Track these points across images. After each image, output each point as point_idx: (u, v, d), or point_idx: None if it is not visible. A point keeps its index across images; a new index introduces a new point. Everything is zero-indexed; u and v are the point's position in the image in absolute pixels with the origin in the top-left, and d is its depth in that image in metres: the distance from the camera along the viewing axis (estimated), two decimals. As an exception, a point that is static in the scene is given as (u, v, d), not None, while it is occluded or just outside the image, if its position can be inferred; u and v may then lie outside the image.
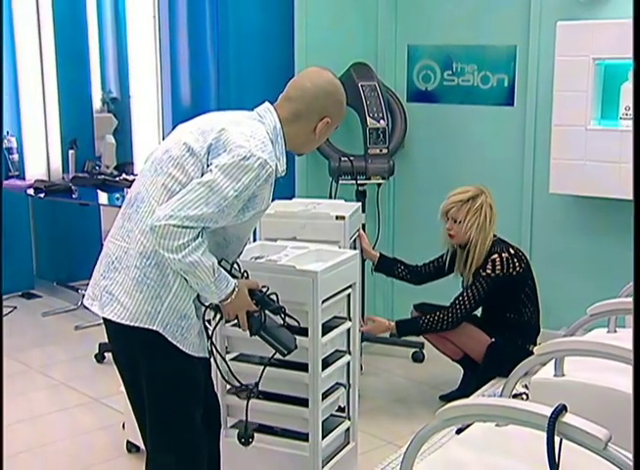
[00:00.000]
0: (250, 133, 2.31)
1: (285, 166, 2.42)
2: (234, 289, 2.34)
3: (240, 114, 2.45)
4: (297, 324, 2.52)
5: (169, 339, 2.33)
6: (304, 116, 2.42)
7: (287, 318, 2.49)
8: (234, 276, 2.41)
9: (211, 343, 2.48)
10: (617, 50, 3.96)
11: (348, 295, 3.04)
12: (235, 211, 2.28)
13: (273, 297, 2.46)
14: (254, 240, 3.61)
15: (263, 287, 2.45)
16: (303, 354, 2.81)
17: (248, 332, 2.44)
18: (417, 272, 4.13)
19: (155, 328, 2.31)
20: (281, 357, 2.57)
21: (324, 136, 2.50)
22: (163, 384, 2.40)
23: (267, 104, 2.46)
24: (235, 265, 2.49)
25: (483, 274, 3.80)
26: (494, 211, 3.85)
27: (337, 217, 3.72)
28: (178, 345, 2.34)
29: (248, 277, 2.50)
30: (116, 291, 2.35)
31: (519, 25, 4.53)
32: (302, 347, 2.79)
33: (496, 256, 3.81)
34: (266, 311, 2.43)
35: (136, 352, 2.39)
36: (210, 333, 2.47)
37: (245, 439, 2.66)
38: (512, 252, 3.87)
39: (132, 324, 2.32)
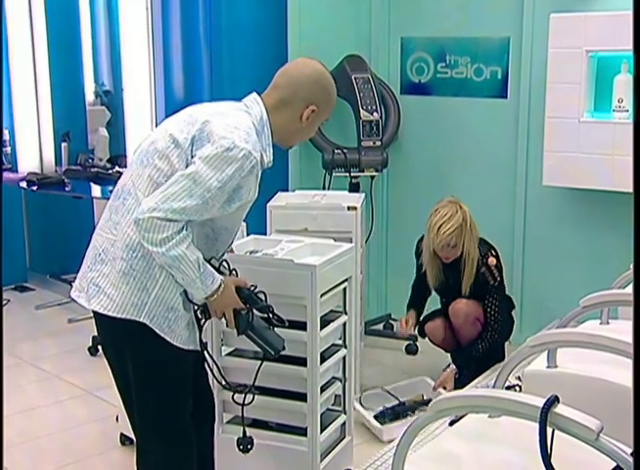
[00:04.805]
0: (234, 124, 2.30)
1: (272, 158, 2.41)
2: (220, 285, 2.32)
3: (226, 104, 2.43)
4: (284, 324, 2.49)
5: (157, 331, 2.32)
6: (290, 103, 2.41)
7: (274, 318, 2.46)
8: (222, 273, 2.40)
9: (200, 341, 2.46)
10: (610, 42, 3.96)
11: (344, 288, 3.05)
12: (219, 203, 2.27)
13: (261, 295, 2.43)
14: (265, 233, 3.63)
15: (252, 286, 2.43)
16: (302, 349, 2.81)
17: (235, 331, 2.42)
18: (422, 286, 4.16)
19: (141, 320, 2.31)
20: (275, 355, 2.57)
21: (312, 126, 2.49)
22: (150, 375, 2.39)
23: (254, 94, 2.45)
24: (224, 263, 2.48)
25: (494, 284, 3.93)
26: (472, 215, 3.88)
27: (348, 208, 3.76)
28: (166, 337, 2.33)
29: (237, 275, 2.48)
30: (103, 283, 2.34)
31: (512, 17, 4.53)
32: (301, 341, 2.80)
33: (490, 261, 3.90)
34: (254, 311, 2.40)
35: (123, 344, 2.39)
36: (203, 328, 2.46)
37: (244, 445, 2.65)
38: (493, 250, 3.97)
39: (119, 316, 2.31)
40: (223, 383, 2.62)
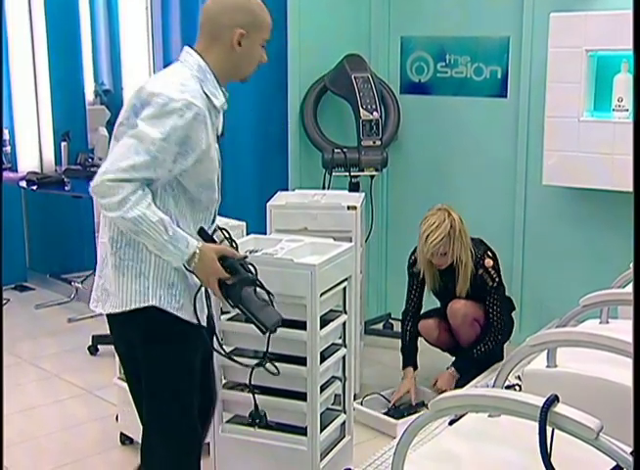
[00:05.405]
0: (168, 81, 2.30)
1: (224, 100, 2.39)
2: (195, 251, 2.26)
3: (163, 69, 2.46)
4: (272, 297, 2.38)
5: (168, 310, 2.32)
6: (218, 36, 2.37)
7: (262, 291, 2.34)
8: (214, 242, 2.34)
9: (206, 298, 2.41)
10: (610, 41, 3.96)
11: (344, 287, 3.05)
12: (170, 157, 2.23)
13: (250, 267, 2.33)
14: (265, 232, 3.63)
15: (245, 258, 2.35)
16: (301, 348, 2.81)
17: (227, 303, 2.34)
18: (415, 317, 4.10)
19: (150, 303, 2.31)
20: (278, 351, 2.55)
21: (251, 49, 2.40)
22: (159, 365, 2.39)
23: (186, 47, 2.43)
24: (220, 232, 2.43)
25: (493, 285, 3.91)
26: (463, 221, 3.85)
27: (348, 207, 3.77)
28: (178, 314, 2.33)
29: (237, 248, 2.43)
30: (107, 285, 2.37)
31: (512, 17, 4.53)
32: (300, 340, 2.80)
33: (486, 262, 3.89)
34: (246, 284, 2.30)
35: (134, 336, 2.39)
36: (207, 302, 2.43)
37: (254, 419, 2.66)
38: (490, 251, 3.95)
39: (127, 308, 2.32)
40: (223, 353, 2.59)
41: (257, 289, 2.33)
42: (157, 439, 2.46)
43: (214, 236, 2.41)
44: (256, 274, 2.35)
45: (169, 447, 2.45)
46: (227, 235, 2.46)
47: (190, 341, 2.41)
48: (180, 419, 2.44)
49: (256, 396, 2.85)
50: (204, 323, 2.42)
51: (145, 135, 2.20)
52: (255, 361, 2.61)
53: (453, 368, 3.90)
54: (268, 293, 2.35)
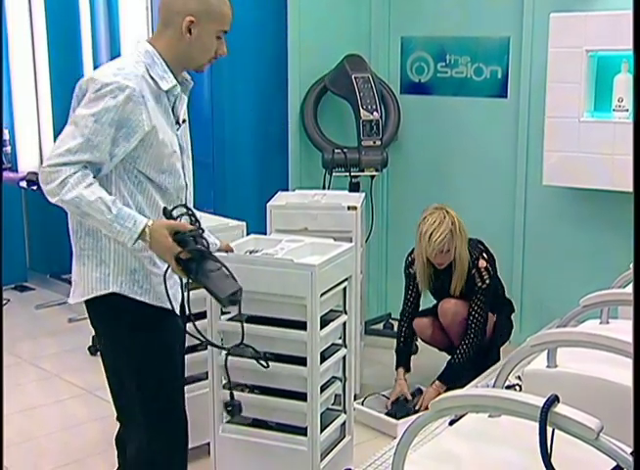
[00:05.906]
0: (106, 69, 2.33)
1: (173, 83, 2.38)
2: (145, 229, 2.21)
3: None
4: (228, 269, 2.28)
5: (130, 295, 2.33)
6: (170, 22, 2.37)
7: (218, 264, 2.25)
8: (173, 219, 2.28)
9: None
10: (610, 41, 3.96)
11: (344, 288, 3.05)
12: (107, 139, 2.22)
13: (202, 240, 2.24)
14: (265, 232, 3.62)
15: (199, 230, 2.27)
16: (302, 348, 2.81)
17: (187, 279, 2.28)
18: (411, 319, 4.09)
19: (110, 290, 2.32)
20: (278, 351, 2.53)
21: (202, 39, 2.38)
22: (128, 356, 2.39)
23: (138, 38, 2.48)
24: (180, 208, 2.35)
25: (482, 286, 3.89)
26: (460, 218, 3.85)
27: (349, 208, 3.77)
28: (142, 298, 2.34)
29: (200, 226, 2.32)
30: (74, 275, 2.40)
31: (512, 17, 4.53)
32: (301, 340, 2.80)
33: (480, 263, 3.89)
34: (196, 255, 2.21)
35: (99, 328, 2.41)
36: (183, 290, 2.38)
37: (227, 407, 2.68)
38: (486, 253, 3.95)
39: (89, 296, 2.34)
40: (201, 339, 2.53)
41: (211, 261, 2.24)
42: (140, 428, 2.43)
43: (174, 212, 2.33)
44: (208, 247, 2.28)
45: (152, 437, 2.43)
46: (188, 211, 2.37)
47: (159, 328, 2.39)
48: (151, 403, 2.42)
49: (257, 396, 2.86)
50: (177, 310, 2.37)
51: (79, 119, 2.23)
52: (250, 357, 2.63)
53: (438, 382, 3.86)
54: (223, 265, 2.27)
